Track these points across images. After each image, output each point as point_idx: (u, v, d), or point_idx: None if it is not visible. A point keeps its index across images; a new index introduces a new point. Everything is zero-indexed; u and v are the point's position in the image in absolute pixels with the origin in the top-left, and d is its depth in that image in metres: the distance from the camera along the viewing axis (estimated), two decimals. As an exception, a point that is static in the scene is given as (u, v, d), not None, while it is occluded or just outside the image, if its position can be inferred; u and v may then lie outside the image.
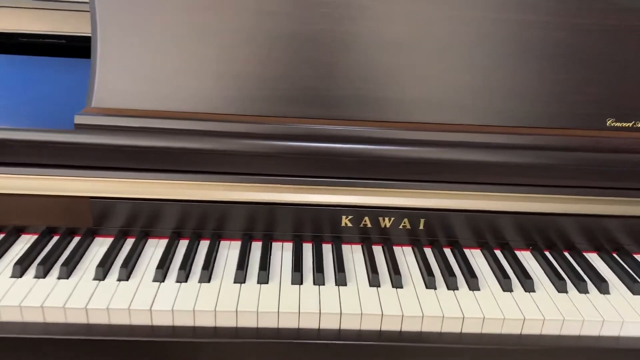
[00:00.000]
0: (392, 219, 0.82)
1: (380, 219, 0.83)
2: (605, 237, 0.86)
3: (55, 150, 0.75)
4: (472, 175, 0.80)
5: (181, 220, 0.81)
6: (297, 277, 0.73)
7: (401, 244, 0.84)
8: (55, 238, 0.80)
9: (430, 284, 0.74)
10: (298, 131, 0.78)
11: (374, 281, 0.74)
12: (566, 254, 0.85)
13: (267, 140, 0.77)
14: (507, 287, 0.75)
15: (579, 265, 0.82)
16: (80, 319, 0.67)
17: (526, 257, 0.84)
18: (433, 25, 0.79)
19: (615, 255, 0.85)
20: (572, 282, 0.77)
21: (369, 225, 0.83)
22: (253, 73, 0.79)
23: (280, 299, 0.70)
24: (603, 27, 0.81)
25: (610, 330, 0.70)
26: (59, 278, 0.71)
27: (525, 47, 0.80)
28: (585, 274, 0.79)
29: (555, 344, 0.69)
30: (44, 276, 0.72)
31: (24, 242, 0.79)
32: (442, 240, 0.85)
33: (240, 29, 0.78)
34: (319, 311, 0.68)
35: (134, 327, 0.67)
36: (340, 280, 0.73)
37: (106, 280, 0.72)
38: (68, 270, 0.72)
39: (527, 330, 0.70)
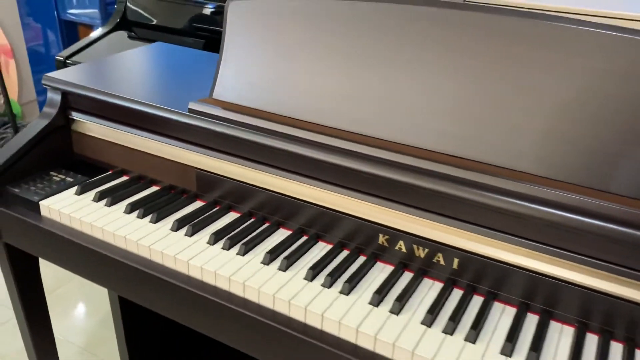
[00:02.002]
0: None
1: None
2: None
3: (168, 123, 0.98)
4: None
5: (259, 205, 0.96)
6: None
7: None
8: (169, 195, 1.03)
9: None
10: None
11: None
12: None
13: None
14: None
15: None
16: (143, 252, 0.89)
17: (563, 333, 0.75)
18: None
19: None
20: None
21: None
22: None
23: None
24: None
25: None
26: (149, 222, 0.94)
27: None
28: None
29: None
30: (142, 217, 0.95)
31: (150, 191, 1.05)
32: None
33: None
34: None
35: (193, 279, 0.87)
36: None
37: (193, 237, 0.92)
38: (158, 217, 0.95)
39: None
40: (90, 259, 0.94)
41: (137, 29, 1.95)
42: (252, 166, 0.94)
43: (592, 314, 0.75)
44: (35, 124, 1.08)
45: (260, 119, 0.92)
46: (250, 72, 0.96)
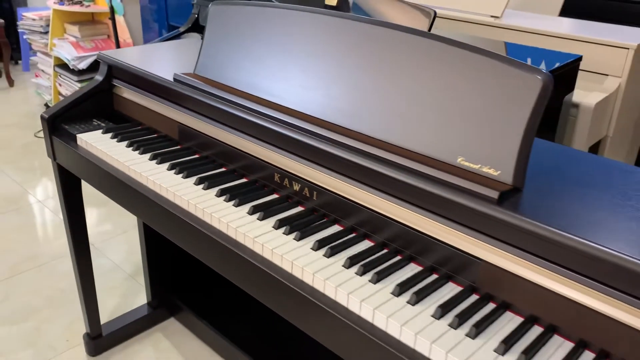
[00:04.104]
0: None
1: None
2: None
3: (160, 88, 1.40)
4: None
5: (215, 152, 1.35)
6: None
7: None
8: (160, 140, 1.45)
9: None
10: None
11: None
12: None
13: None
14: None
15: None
16: (127, 172, 1.31)
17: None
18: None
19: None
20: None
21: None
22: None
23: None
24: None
25: None
26: (138, 153, 1.37)
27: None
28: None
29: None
30: (134, 150, 1.38)
31: (149, 137, 1.47)
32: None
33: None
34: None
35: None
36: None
37: (160, 164, 1.33)
38: (143, 151, 1.37)
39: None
40: (101, 174, 1.38)
41: (205, 32, 2.43)
42: (214, 124, 1.33)
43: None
44: (88, 84, 1.57)
45: (221, 90, 1.31)
46: (220, 56, 1.36)
